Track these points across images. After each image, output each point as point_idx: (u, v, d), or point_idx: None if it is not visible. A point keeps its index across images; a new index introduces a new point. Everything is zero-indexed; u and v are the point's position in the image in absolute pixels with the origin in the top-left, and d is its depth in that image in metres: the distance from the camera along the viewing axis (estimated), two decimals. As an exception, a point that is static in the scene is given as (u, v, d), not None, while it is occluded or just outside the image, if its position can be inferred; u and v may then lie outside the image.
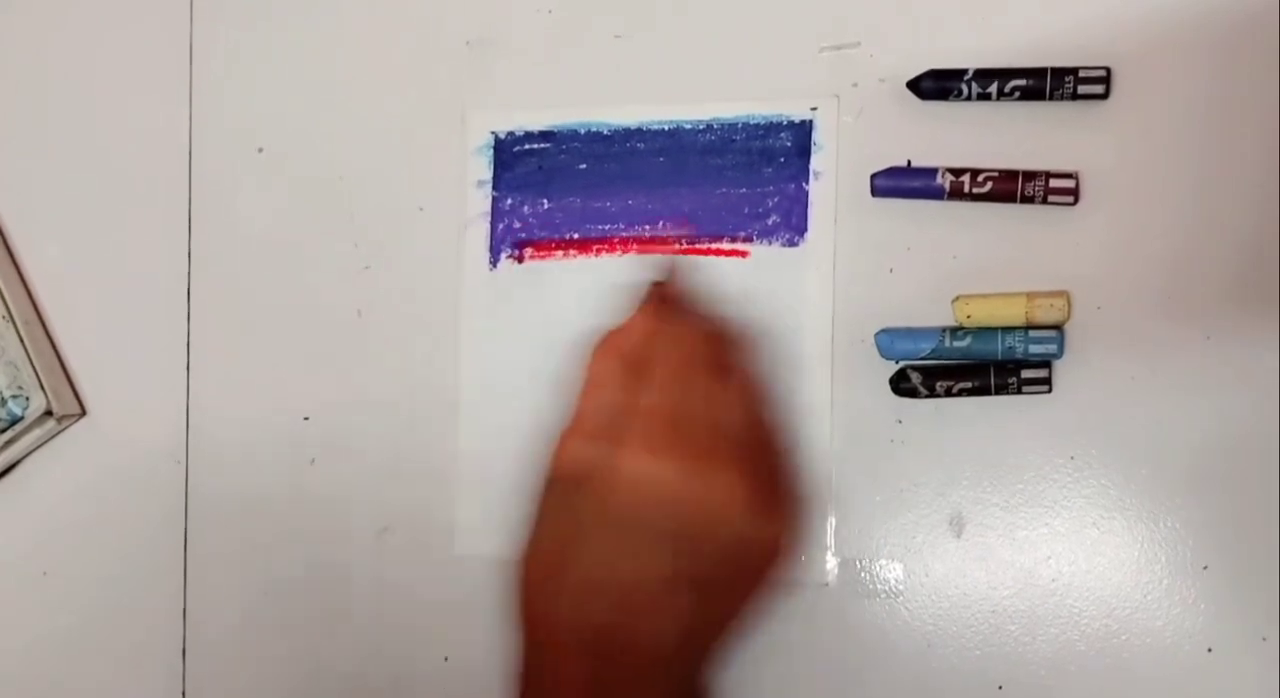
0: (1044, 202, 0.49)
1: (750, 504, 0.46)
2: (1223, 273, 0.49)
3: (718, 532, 0.46)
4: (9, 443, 0.60)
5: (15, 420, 0.60)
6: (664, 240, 0.54)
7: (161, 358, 0.60)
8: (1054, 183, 0.49)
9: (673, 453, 0.46)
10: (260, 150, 0.59)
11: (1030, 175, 0.49)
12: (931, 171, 0.50)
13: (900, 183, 0.51)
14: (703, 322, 0.51)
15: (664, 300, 0.51)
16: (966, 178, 0.50)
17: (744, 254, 0.54)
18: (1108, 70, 0.49)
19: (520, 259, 0.56)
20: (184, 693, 0.60)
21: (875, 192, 0.51)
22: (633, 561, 0.46)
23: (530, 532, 0.49)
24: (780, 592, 0.49)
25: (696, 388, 0.48)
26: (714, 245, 0.54)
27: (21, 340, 0.60)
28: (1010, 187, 0.49)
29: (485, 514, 0.56)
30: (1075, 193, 0.49)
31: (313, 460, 0.58)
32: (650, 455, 0.46)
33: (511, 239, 0.56)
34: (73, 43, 0.62)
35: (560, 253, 0.56)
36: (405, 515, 0.57)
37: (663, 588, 0.46)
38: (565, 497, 0.48)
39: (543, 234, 0.56)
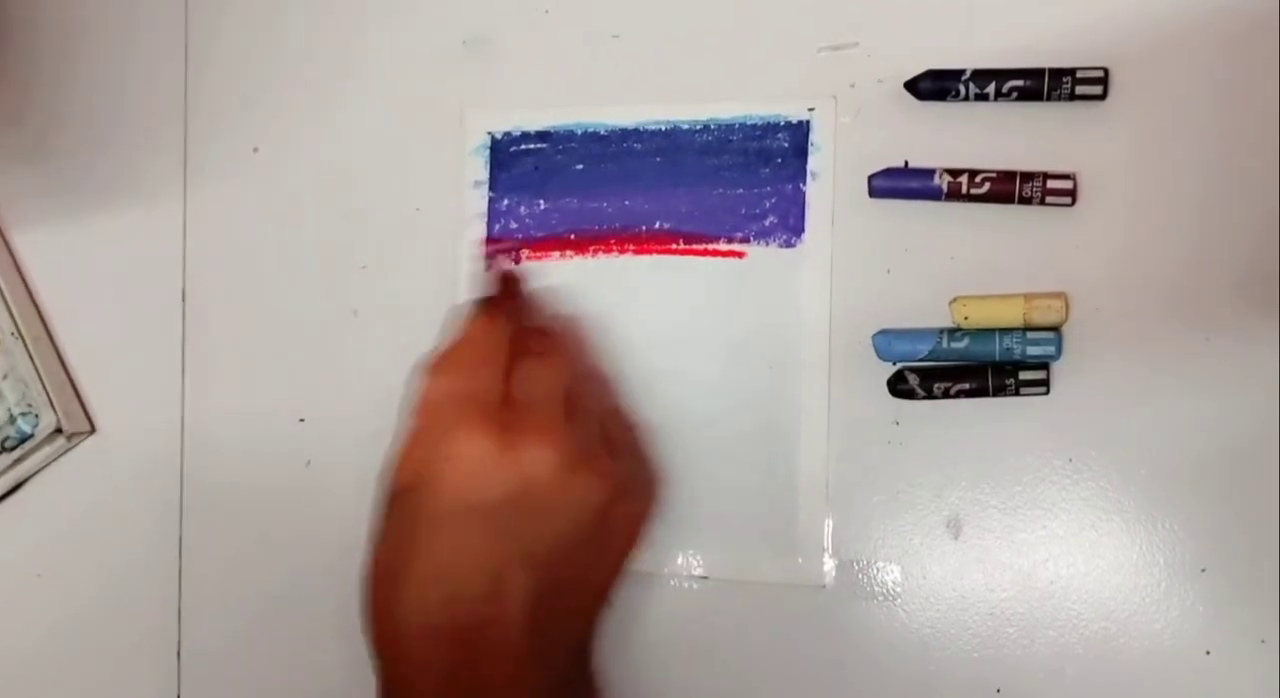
0: (1042, 202, 0.49)
1: (562, 471, 0.46)
2: (1222, 274, 0.49)
3: (537, 502, 0.46)
4: (18, 461, 0.60)
5: (25, 438, 0.59)
6: (660, 240, 0.54)
7: (159, 361, 0.60)
8: (1052, 184, 0.49)
9: (483, 432, 0.46)
10: (255, 150, 0.59)
11: (1028, 176, 0.49)
12: (929, 172, 0.50)
13: (898, 183, 0.51)
14: (519, 319, 0.52)
15: (486, 313, 0.51)
16: (964, 179, 0.50)
17: (741, 255, 0.53)
18: (1105, 71, 0.49)
19: (517, 260, 0.56)
20: (178, 696, 0.60)
21: (873, 192, 0.51)
22: (462, 548, 0.47)
23: (371, 549, 0.49)
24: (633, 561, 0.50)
25: (482, 375, 0.48)
26: (711, 246, 0.54)
27: (30, 357, 0.60)
28: (1008, 187, 0.49)
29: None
30: (1073, 194, 0.49)
31: (308, 462, 0.58)
32: (464, 440, 0.46)
33: (508, 239, 0.56)
34: (69, 43, 0.62)
35: (557, 254, 0.55)
36: (401, 517, 0.57)
37: (497, 573, 0.46)
38: (399, 505, 0.49)
39: (539, 234, 0.56)
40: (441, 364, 0.50)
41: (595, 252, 0.55)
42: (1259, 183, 0.48)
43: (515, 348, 0.50)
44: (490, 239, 0.56)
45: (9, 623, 0.62)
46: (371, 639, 0.49)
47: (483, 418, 0.47)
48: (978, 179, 0.50)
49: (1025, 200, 0.49)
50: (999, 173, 0.50)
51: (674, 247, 0.54)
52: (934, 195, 0.50)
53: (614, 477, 0.49)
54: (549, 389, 0.49)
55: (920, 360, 0.51)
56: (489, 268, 0.55)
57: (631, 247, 0.55)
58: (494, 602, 0.47)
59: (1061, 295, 0.49)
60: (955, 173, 0.50)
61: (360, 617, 0.49)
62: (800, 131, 0.53)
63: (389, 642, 0.48)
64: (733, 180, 0.54)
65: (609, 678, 0.54)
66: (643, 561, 0.53)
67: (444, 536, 0.47)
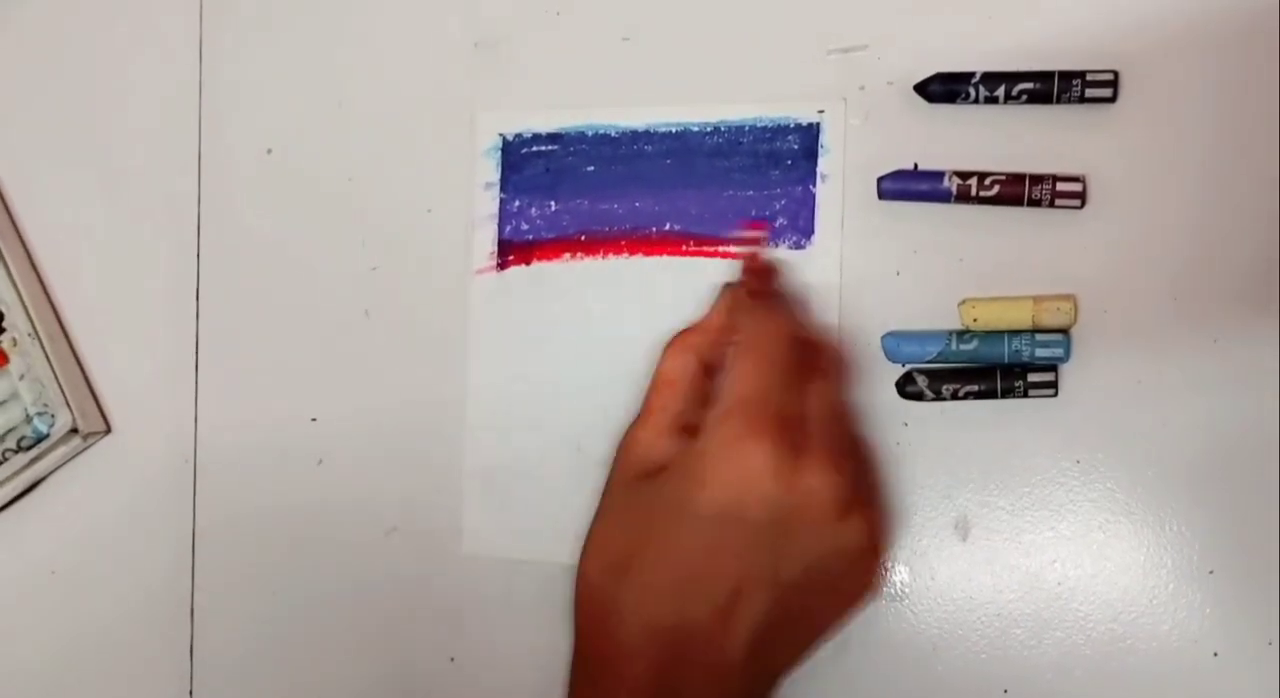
0: (1051, 205, 0.49)
1: (839, 506, 0.45)
2: (1230, 276, 0.49)
3: (802, 531, 0.45)
4: (34, 460, 0.60)
5: (41, 438, 0.60)
6: (670, 242, 0.54)
7: (173, 361, 0.60)
8: (1061, 186, 0.49)
9: (774, 446, 0.44)
10: (269, 152, 0.60)
11: (1037, 179, 0.49)
12: (938, 175, 0.50)
13: (907, 186, 0.51)
14: (781, 321, 0.50)
15: (738, 300, 0.51)
16: (973, 181, 0.50)
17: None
18: (1115, 74, 0.49)
19: (528, 261, 0.56)
20: (191, 693, 0.60)
21: (882, 194, 0.51)
22: (706, 557, 0.45)
23: (592, 530, 0.48)
24: (862, 610, 0.49)
25: (777, 384, 0.46)
26: (721, 248, 0.54)
27: (47, 357, 0.60)
28: (1017, 190, 0.49)
29: (493, 515, 0.56)
30: (1082, 196, 0.49)
31: (320, 461, 0.59)
32: (750, 447, 0.44)
33: (519, 240, 0.56)
34: (81, 46, 0.62)
35: (568, 255, 0.56)
36: (413, 516, 0.58)
37: (737, 587, 0.45)
38: (632, 492, 0.47)
39: (550, 235, 0.56)
40: (687, 343, 0.49)
41: (605, 253, 0.55)
42: (1268, 186, 0.48)
43: (803, 357, 0.48)
44: (499, 253, 0.56)
45: (24, 622, 0.63)
46: (581, 615, 0.47)
47: (776, 432, 0.45)
48: (987, 181, 0.50)
49: (1034, 203, 0.49)
50: (1008, 175, 0.50)
51: (684, 248, 0.54)
52: (943, 198, 0.50)
53: (876, 525, 0.47)
54: (839, 417, 0.48)
55: (929, 362, 0.51)
56: (745, 255, 0.54)
57: (642, 248, 0.55)
58: (724, 618, 0.45)
59: (1070, 297, 0.49)
60: (964, 175, 0.50)
61: (574, 586, 0.47)
62: (810, 134, 0.53)
63: (601, 625, 0.46)
64: (742, 182, 0.54)
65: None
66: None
67: (694, 537, 0.45)
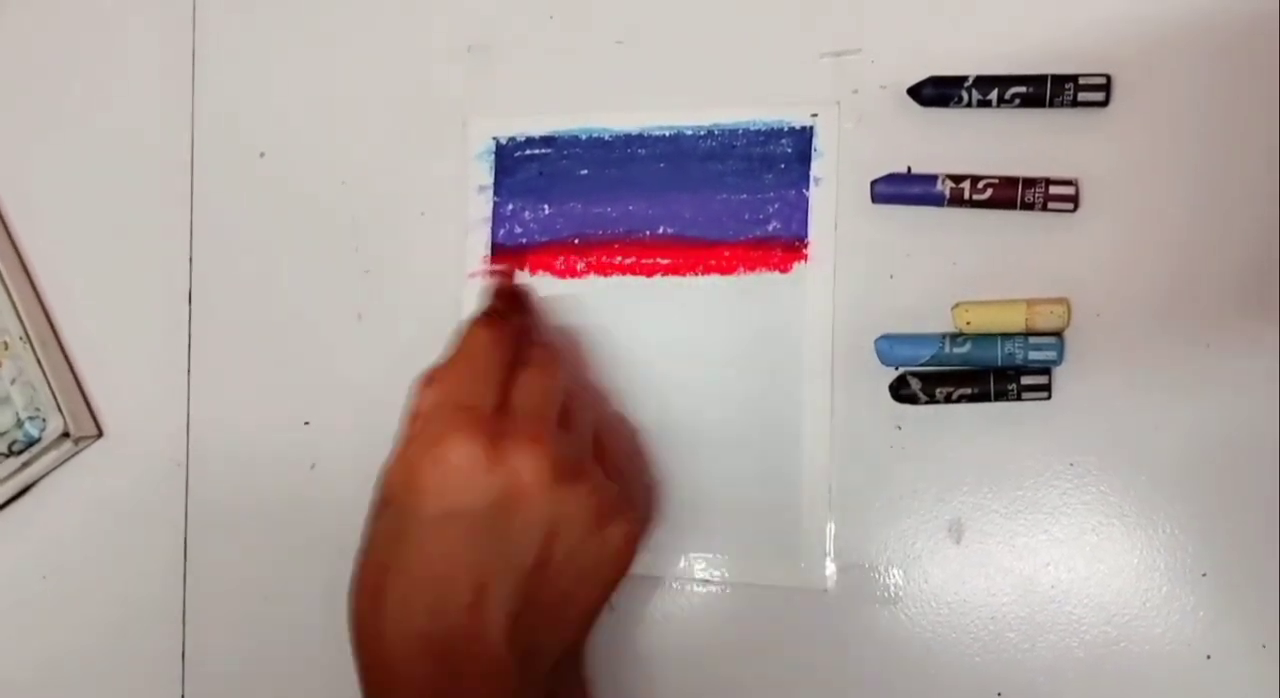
0: (1044, 208, 0.49)
1: (550, 479, 0.46)
2: (1223, 280, 0.49)
3: (520, 511, 0.46)
4: (25, 465, 0.60)
5: (32, 442, 0.60)
6: (664, 245, 0.54)
7: (165, 365, 0.60)
8: (1054, 189, 0.49)
9: (470, 438, 0.46)
10: (262, 155, 0.60)
11: (1030, 182, 0.49)
12: (931, 178, 0.50)
13: (900, 189, 0.51)
14: (519, 333, 0.52)
15: (484, 326, 0.51)
16: (967, 184, 0.50)
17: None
18: (1108, 77, 0.49)
19: (521, 265, 0.56)
20: (183, 697, 0.60)
21: (875, 198, 0.51)
22: (444, 556, 0.46)
23: (357, 562, 0.49)
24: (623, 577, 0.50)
25: (468, 382, 0.48)
26: (714, 251, 0.54)
27: (38, 361, 0.60)
28: (1010, 193, 0.49)
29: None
30: (1075, 200, 0.49)
31: (313, 466, 0.59)
32: (449, 444, 0.46)
33: (512, 244, 0.56)
34: (74, 49, 0.62)
35: (561, 259, 0.56)
36: (406, 520, 0.57)
37: (478, 582, 0.46)
38: (384, 516, 0.48)
39: (543, 239, 0.56)
40: (436, 375, 0.49)
41: (599, 257, 0.55)
42: (1261, 189, 0.48)
43: (514, 360, 0.50)
44: (493, 256, 0.56)
45: (16, 626, 0.62)
46: (355, 648, 0.48)
47: (471, 425, 0.46)
48: (980, 185, 0.50)
49: (1028, 206, 0.49)
50: (1001, 179, 0.50)
51: (677, 252, 0.54)
52: (936, 201, 0.50)
53: (604, 492, 0.48)
54: (542, 400, 0.49)
55: (922, 365, 0.51)
56: (490, 282, 0.55)
57: (636, 252, 0.55)
58: (475, 613, 0.46)
59: (1063, 301, 0.50)
60: (958, 179, 0.50)
61: (347, 627, 0.49)
62: (803, 137, 0.53)
63: (371, 651, 0.48)
64: (736, 186, 0.54)
65: (611, 681, 0.55)
66: (646, 565, 0.53)
67: (427, 544, 0.46)
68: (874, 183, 0.51)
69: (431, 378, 0.49)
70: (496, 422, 0.47)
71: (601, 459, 0.50)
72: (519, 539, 0.46)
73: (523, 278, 0.56)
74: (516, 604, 0.46)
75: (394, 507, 0.48)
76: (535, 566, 0.47)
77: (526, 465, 0.46)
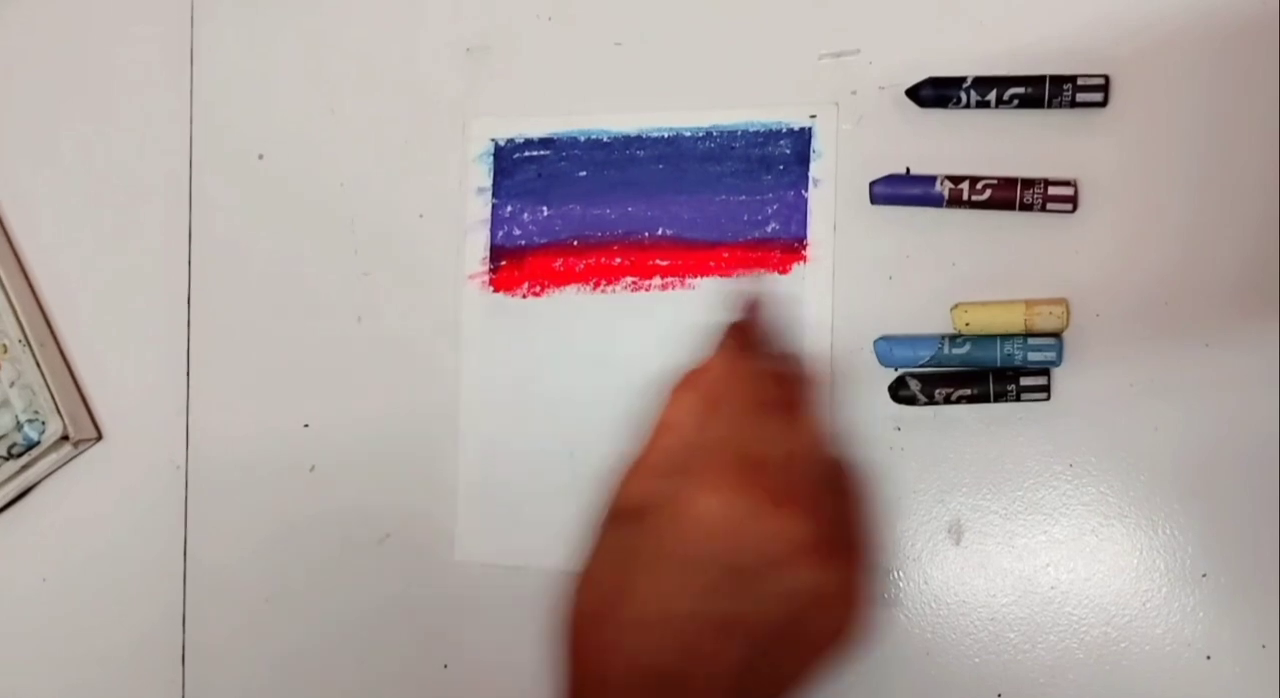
0: (1043, 209, 0.49)
1: (816, 550, 0.44)
2: (1222, 280, 0.49)
3: (779, 576, 0.44)
4: (25, 467, 0.60)
5: (32, 445, 0.60)
6: (663, 246, 0.54)
7: (165, 368, 0.60)
8: (1053, 190, 0.49)
9: (737, 488, 0.44)
10: (261, 157, 0.60)
11: (1029, 183, 0.49)
12: (930, 179, 0.50)
13: (899, 190, 0.51)
14: (778, 360, 0.50)
15: (742, 340, 0.50)
16: (965, 185, 0.50)
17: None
18: (1106, 78, 0.49)
19: (521, 266, 0.56)
20: (183, 695, 0.60)
21: (874, 199, 0.51)
22: (689, 599, 0.44)
23: (584, 566, 0.47)
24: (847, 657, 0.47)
25: (766, 426, 0.46)
26: (713, 252, 0.54)
27: (38, 364, 0.60)
28: (1009, 194, 0.49)
29: (486, 520, 0.56)
30: (1074, 200, 0.49)
31: (313, 468, 0.59)
32: (714, 489, 0.44)
33: (511, 246, 0.56)
34: (73, 51, 0.62)
35: (560, 260, 0.56)
36: (406, 522, 0.58)
37: (718, 631, 0.44)
38: (623, 531, 0.46)
39: (542, 241, 0.56)
40: (693, 386, 0.48)
41: (598, 259, 0.55)
42: (1259, 190, 0.48)
43: (775, 392, 0.47)
44: (492, 258, 0.56)
45: (16, 627, 0.62)
46: (570, 649, 0.47)
47: (745, 473, 0.44)
48: (979, 186, 0.50)
49: (1026, 207, 0.49)
50: (1000, 180, 0.50)
51: (676, 253, 0.54)
52: (935, 202, 0.50)
53: (851, 571, 0.46)
54: (811, 456, 0.47)
55: (921, 366, 0.51)
56: (741, 289, 0.53)
57: (634, 253, 0.55)
58: (708, 661, 0.44)
59: (1062, 301, 0.50)
60: (956, 179, 0.50)
61: (558, 620, 0.47)
62: (802, 138, 0.53)
63: (590, 659, 0.46)
64: (735, 187, 0.54)
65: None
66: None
67: (675, 579, 0.44)
68: (873, 184, 0.51)
69: (687, 387, 0.48)
70: (769, 475, 0.45)
71: (846, 525, 0.48)
72: (767, 600, 0.44)
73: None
74: (746, 664, 0.45)
75: (644, 526, 0.46)
76: (773, 630, 0.45)
77: (795, 531, 0.44)
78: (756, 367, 0.48)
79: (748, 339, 0.50)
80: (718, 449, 0.45)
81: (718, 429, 0.46)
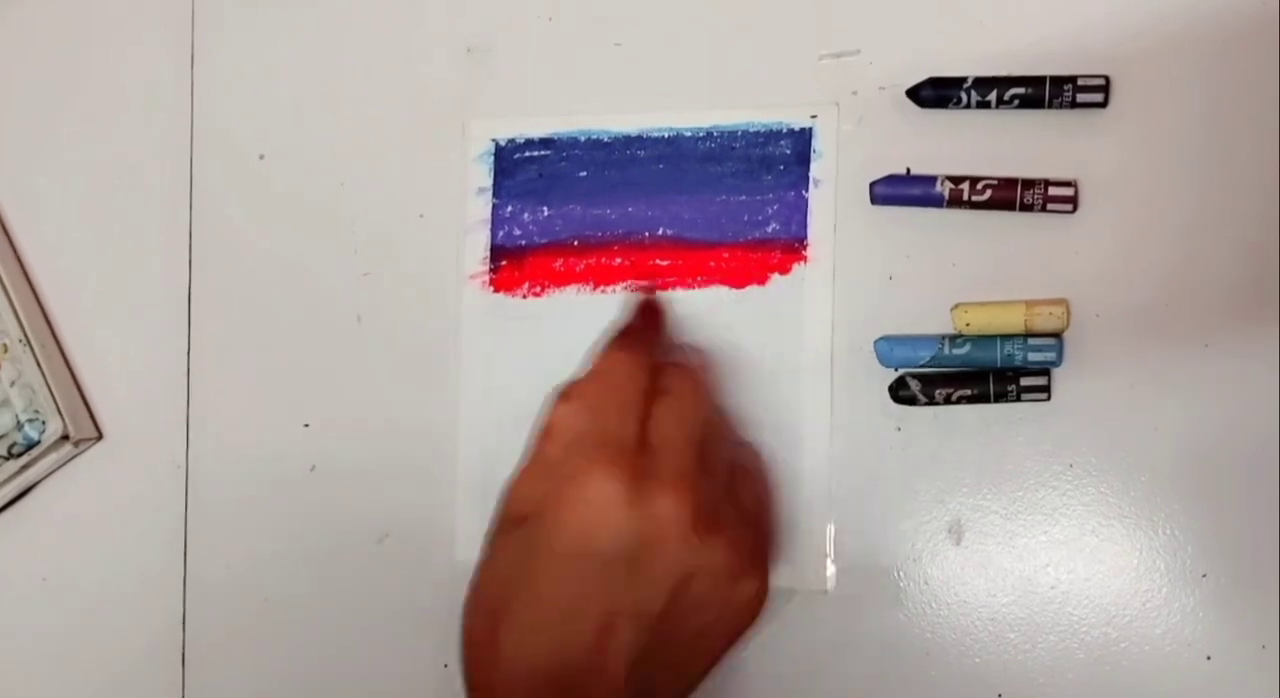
0: (1043, 209, 0.49)
1: (694, 529, 0.45)
2: (1223, 281, 0.49)
3: (659, 557, 0.45)
4: (25, 467, 0.60)
5: (32, 445, 0.60)
6: (663, 247, 0.54)
7: (165, 367, 0.60)
8: (1053, 191, 0.49)
9: (608, 475, 0.45)
10: (261, 157, 0.60)
11: (1029, 183, 0.49)
12: (931, 179, 0.50)
13: (899, 190, 0.51)
14: (665, 353, 0.51)
15: (627, 341, 0.51)
16: (966, 185, 0.50)
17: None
18: (1107, 79, 0.49)
19: (521, 267, 0.56)
20: (183, 697, 0.60)
21: (874, 199, 0.51)
22: (574, 594, 0.45)
23: (476, 577, 0.48)
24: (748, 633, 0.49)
25: (643, 414, 0.47)
26: (713, 253, 0.54)
27: (38, 363, 0.60)
28: (1009, 194, 0.49)
29: (487, 519, 0.56)
30: (1074, 201, 0.49)
31: (313, 467, 0.59)
32: (588, 481, 0.45)
33: (512, 246, 0.56)
34: (72, 52, 0.62)
35: (561, 261, 0.56)
36: (406, 522, 0.58)
37: (604, 622, 0.45)
38: (510, 538, 0.47)
39: (543, 241, 0.56)
40: (575, 393, 0.48)
41: (599, 259, 0.55)
42: (1259, 191, 0.48)
43: (652, 384, 0.48)
44: (492, 258, 0.56)
45: (15, 628, 0.62)
46: (468, 668, 0.47)
47: (615, 462, 0.45)
48: (979, 186, 0.50)
49: (1027, 207, 0.49)
50: (1000, 180, 0.50)
51: (676, 254, 0.54)
52: (936, 202, 0.50)
53: (739, 545, 0.47)
54: (683, 437, 0.47)
55: (921, 367, 0.51)
56: (632, 295, 0.54)
57: (635, 254, 0.55)
58: (597, 653, 0.45)
59: (1063, 302, 0.50)
60: (957, 180, 0.50)
61: (459, 641, 0.48)
62: (803, 139, 0.53)
63: (483, 674, 0.47)
64: (735, 187, 0.54)
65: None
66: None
67: (557, 577, 0.45)
68: (873, 184, 0.51)
69: (569, 395, 0.48)
70: (640, 460, 0.46)
71: (735, 501, 0.49)
72: (650, 584, 0.45)
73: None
74: (639, 650, 0.45)
75: (524, 530, 0.47)
76: (662, 613, 0.46)
77: (668, 511, 0.45)
78: (637, 360, 0.49)
79: (634, 339, 0.51)
80: (594, 444, 0.46)
81: (596, 425, 0.47)
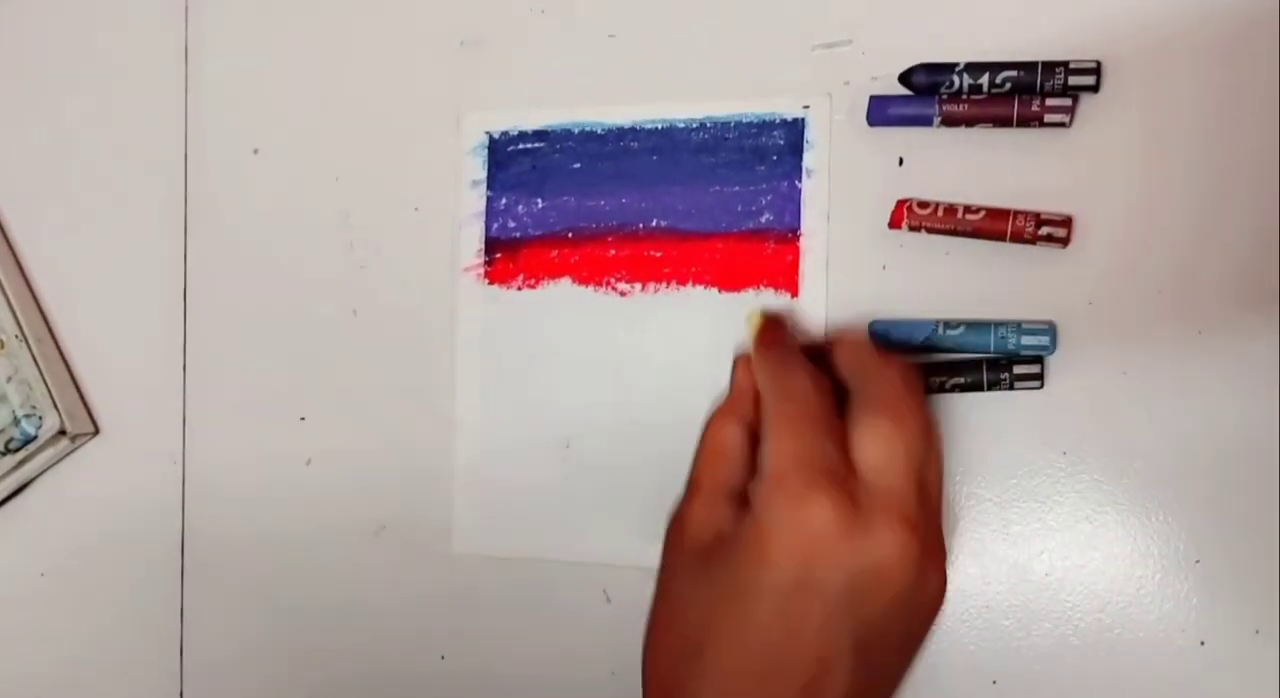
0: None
1: (915, 561, 0.42)
2: (1217, 267, 0.49)
3: (878, 591, 0.42)
4: (22, 462, 0.60)
5: (29, 440, 0.60)
6: (657, 238, 0.55)
7: (161, 362, 0.60)
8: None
9: (834, 504, 0.42)
10: (256, 151, 0.60)
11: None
12: (929, 101, 0.50)
13: (897, 110, 0.51)
14: (800, 372, 0.47)
15: (758, 358, 0.49)
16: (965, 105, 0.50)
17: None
18: (1098, 63, 0.49)
19: (515, 259, 0.56)
20: (181, 693, 0.60)
21: (871, 119, 0.51)
22: (784, 634, 0.42)
23: (655, 614, 0.46)
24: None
25: (818, 437, 0.44)
26: (707, 243, 0.54)
27: (34, 359, 0.60)
28: (1006, 111, 0.49)
29: (483, 512, 0.56)
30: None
31: (309, 461, 0.59)
32: (790, 512, 0.42)
33: (506, 238, 0.56)
34: (65, 47, 0.62)
35: (555, 252, 0.56)
36: (402, 514, 0.58)
37: (820, 661, 0.42)
38: (692, 572, 0.44)
39: (537, 233, 0.56)
40: (726, 414, 0.47)
41: (593, 251, 0.55)
42: (1255, 181, 0.48)
43: (811, 396, 0.45)
44: (487, 250, 0.56)
45: (13, 624, 0.63)
46: None
47: (832, 488, 0.42)
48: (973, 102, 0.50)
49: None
50: (995, 98, 0.50)
51: (670, 245, 0.54)
52: (927, 122, 0.50)
53: (945, 568, 0.45)
54: (902, 459, 0.43)
55: (916, 348, 0.51)
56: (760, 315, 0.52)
57: (629, 245, 0.55)
58: (812, 693, 0.42)
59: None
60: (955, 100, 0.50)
61: (642, 688, 0.45)
62: (795, 129, 0.53)
63: None
64: (728, 178, 0.54)
65: (611, 677, 0.55)
66: (648, 558, 0.53)
67: (767, 614, 0.42)
68: (872, 98, 0.51)
69: (731, 411, 0.47)
70: (855, 484, 0.43)
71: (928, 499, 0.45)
72: (868, 620, 0.42)
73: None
74: (852, 689, 0.42)
75: (727, 566, 0.43)
76: (878, 646, 0.43)
77: (895, 541, 0.42)
78: (785, 380, 0.46)
79: (777, 358, 0.48)
80: (781, 468, 0.43)
81: (774, 448, 0.44)
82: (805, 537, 0.42)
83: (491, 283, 0.57)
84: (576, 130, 0.56)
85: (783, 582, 0.42)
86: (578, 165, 0.56)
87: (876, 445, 0.43)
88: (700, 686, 0.43)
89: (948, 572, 0.45)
